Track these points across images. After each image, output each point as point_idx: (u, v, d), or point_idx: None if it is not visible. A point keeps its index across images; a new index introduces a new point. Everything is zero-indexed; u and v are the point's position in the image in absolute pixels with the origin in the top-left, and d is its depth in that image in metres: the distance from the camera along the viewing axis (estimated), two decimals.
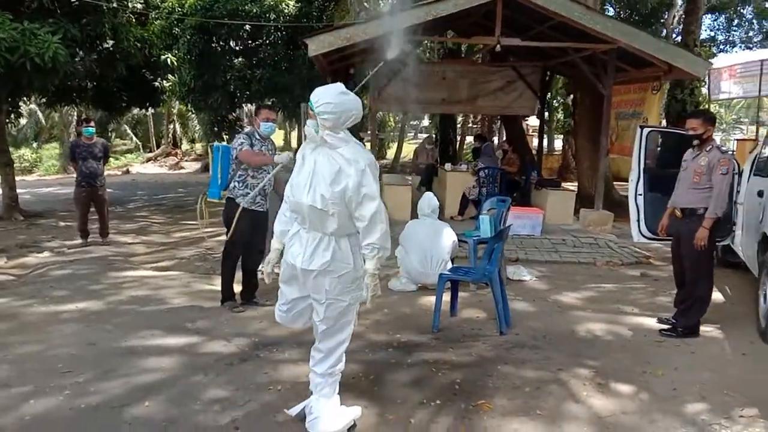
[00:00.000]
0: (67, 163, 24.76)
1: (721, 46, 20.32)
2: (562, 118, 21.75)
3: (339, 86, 3.10)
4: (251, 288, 5.59)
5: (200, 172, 24.99)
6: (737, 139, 15.58)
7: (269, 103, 12.96)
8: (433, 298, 5.27)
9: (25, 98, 13.26)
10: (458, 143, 22.98)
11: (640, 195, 6.50)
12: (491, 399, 3.65)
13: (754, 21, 19.63)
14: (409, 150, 25.75)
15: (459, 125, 24.37)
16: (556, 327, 5.10)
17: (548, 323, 5.20)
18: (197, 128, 28.66)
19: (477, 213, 9.07)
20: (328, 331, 3.22)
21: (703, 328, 4.92)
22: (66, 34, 9.11)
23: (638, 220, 6.52)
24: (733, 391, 3.80)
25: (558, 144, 26.07)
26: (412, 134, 40.42)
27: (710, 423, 3.40)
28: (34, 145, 29.95)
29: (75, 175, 8.64)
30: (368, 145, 8.65)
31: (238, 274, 5.57)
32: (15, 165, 12.58)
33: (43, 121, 29.49)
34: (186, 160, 29.82)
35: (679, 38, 16.68)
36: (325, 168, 3.03)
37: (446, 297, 5.16)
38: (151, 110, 24.33)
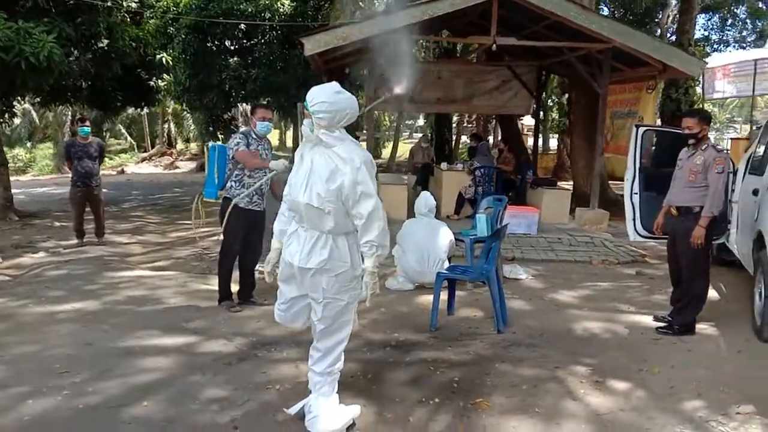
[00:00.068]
0: (62, 162, 24.70)
1: (715, 46, 20.41)
2: (557, 117, 21.81)
3: (334, 85, 3.11)
4: (248, 287, 5.58)
5: (195, 171, 24.93)
6: (731, 138, 15.65)
7: (264, 102, 12.94)
8: (430, 297, 5.28)
9: (19, 98, 13.20)
10: (453, 143, 23.00)
11: (636, 194, 6.54)
12: (489, 397, 3.66)
13: (748, 21, 19.72)
14: (404, 149, 25.79)
15: (454, 125, 24.38)
16: (553, 325, 5.12)
17: (545, 322, 5.22)
18: (192, 128, 28.59)
19: (473, 212, 9.09)
20: (326, 331, 3.22)
21: (698, 326, 4.95)
22: (61, 33, 9.07)
23: (634, 219, 6.56)
24: (730, 388, 3.82)
25: (553, 143, 26.16)
26: (407, 134, 40.47)
27: (707, 420, 3.42)
28: (28, 144, 29.84)
29: (70, 175, 8.62)
30: (364, 144, 8.64)
31: (235, 274, 5.56)
32: (9, 165, 12.53)
33: (37, 120, 29.35)
34: (181, 160, 29.75)
35: (673, 38, 16.77)
36: (322, 166, 3.04)
37: (443, 296, 5.17)
38: (145, 110, 24.23)
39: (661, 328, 4.99)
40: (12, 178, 12.00)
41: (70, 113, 25.19)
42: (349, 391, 3.59)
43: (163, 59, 13.07)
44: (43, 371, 3.94)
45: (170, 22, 13.65)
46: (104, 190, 8.97)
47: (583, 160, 11.33)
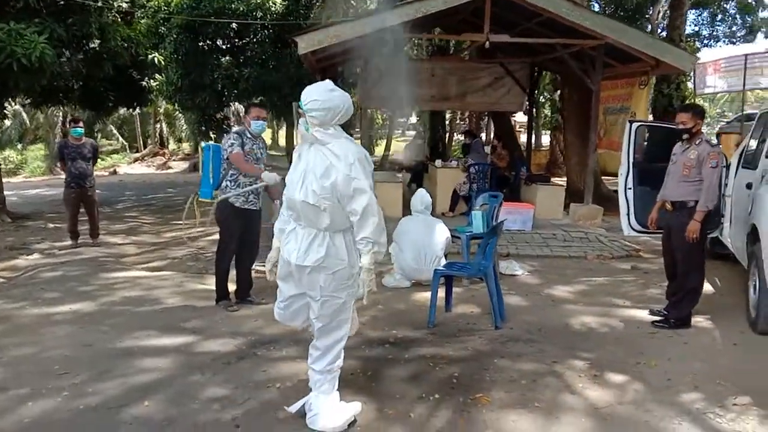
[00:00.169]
0: (54, 164, 24.57)
1: (705, 41, 20.50)
2: (549, 114, 21.86)
3: (327, 83, 3.13)
4: (246, 287, 5.58)
5: (188, 171, 24.87)
6: (722, 132, 15.73)
7: (257, 101, 12.92)
8: (427, 294, 5.30)
9: (10, 99, 13.11)
10: (447, 140, 23.03)
11: (630, 189, 6.57)
12: (489, 392, 3.68)
13: (737, 16, 19.81)
14: (397, 147, 25.80)
15: (447, 122, 24.41)
16: (550, 320, 5.15)
17: (542, 317, 5.25)
18: (184, 128, 28.50)
19: (468, 209, 9.12)
20: (325, 329, 3.23)
21: (694, 319, 4.99)
22: (52, 34, 9.00)
23: (628, 214, 6.59)
24: (726, 381, 3.86)
25: (545, 140, 26.21)
26: (400, 131, 40.46)
27: (704, 412, 3.46)
28: (19, 146, 29.65)
29: (62, 177, 8.58)
30: (359, 142, 8.64)
31: (232, 273, 5.56)
32: (0, 167, 12.45)
33: (28, 122, 29.17)
34: (174, 160, 29.65)
35: (664, 33, 16.84)
36: (317, 164, 3.06)
37: (441, 293, 5.19)
38: (137, 110, 24.14)
39: (656, 321, 5.03)
40: (3, 180, 11.91)
41: (61, 114, 25.07)
42: (350, 389, 3.60)
43: (155, 59, 13.00)
44: (41, 373, 3.93)
45: (161, 21, 13.60)
46: (97, 191, 8.94)
47: (576, 156, 11.39)
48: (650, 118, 13.44)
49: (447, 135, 23.49)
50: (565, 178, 12.59)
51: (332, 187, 3.00)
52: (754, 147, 5.73)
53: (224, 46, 14.40)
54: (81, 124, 8.62)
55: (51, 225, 10.42)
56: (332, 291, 3.16)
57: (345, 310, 3.25)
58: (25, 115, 28.31)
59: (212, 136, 15.83)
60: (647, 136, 6.99)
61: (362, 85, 9.70)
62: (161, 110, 30.31)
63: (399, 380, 3.87)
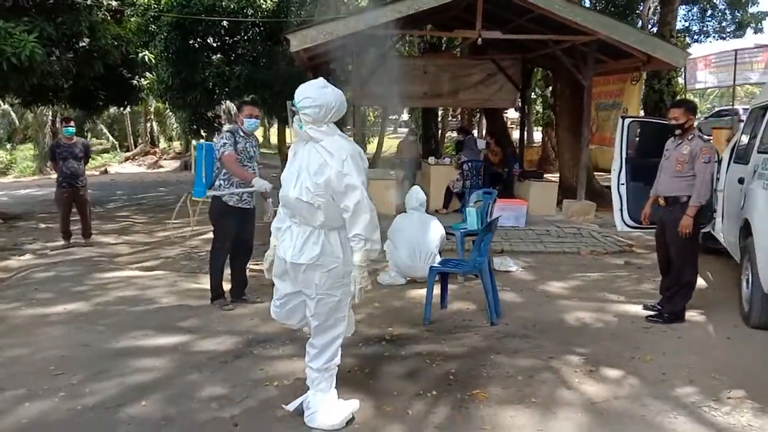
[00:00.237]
0: (44, 164, 24.43)
1: (695, 37, 20.57)
2: (540, 110, 21.89)
3: (319, 81, 3.15)
4: (241, 285, 5.57)
5: (180, 170, 24.77)
6: (712, 128, 15.84)
7: (249, 99, 12.88)
8: (422, 291, 5.31)
9: None
10: (439, 137, 23.03)
11: (623, 184, 6.59)
12: (486, 388, 3.70)
13: (727, 11, 19.89)
14: (389, 144, 25.79)
15: (439, 119, 24.40)
16: (545, 316, 5.17)
17: (537, 313, 5.27)
18: (175, 126, 28.37)
19: (461, 206, 9.14)
20: (321, 327, 3.24)
21: (688, 314, 5.03)
22: (42, 32, 8.94)
23: (621, 209, 6.61)
24: (720, 374, 3.89)
25: (537, 136, 26.26)
26: (392, 129, 40.42)
27: (700, 405, 3.48)
28: (8, 146, 29.44)
29: (53, 176, 8.53)
30: (352, 139, 8.62)
31: (227, 272, 5.55)
32: None
33: (17, 121, 28.98)
34: (165, 159, 29.53)
35: (654, 29, 16.89)
36: (310, 161, 3.07)
37: (436, 289, 5.20)
38: (128, 109, 24.01)
39: (651, 316, 5.06)
40: None
41: (50, 113, 24.89)
42: (347, 386, 3.60)
43: (146, 57, 12.93)
44: (38, 373, 3.91)
45: (151, 19, 13.52)
46: (89, 190, 8.89)
47: (569, 152, 11.42)
48: (641, 113, 13.51)
49: (439, 132, 23.48)
50: (558, 174, 12.63)
51: (326, 184, 3.01)
52: (746, 142, 5.76)
53: (215, 44, 14.34)
54: (72, 123, 8.57)
55: (42, 225, 10.37)
56: (327, 289, 3.16)
57: (341, 308, 3.25)
58: (13, 115, 28.14)
59: (203, 134, 15.78)
60: (639, 131, 7.02)
61: (354, 83, 9.68)
62: (152, 109, 30.18)
63: (396, 377, 3.88)
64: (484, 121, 22.10)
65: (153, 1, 13.56)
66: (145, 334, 4.68)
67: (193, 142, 22.76)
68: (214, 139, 5.39)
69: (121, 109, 21.72)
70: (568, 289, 6.11)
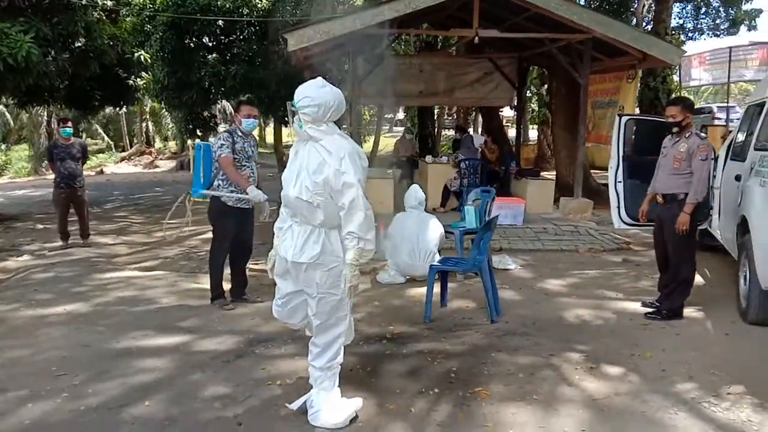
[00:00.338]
0: (39, 164, 24.35)
1: (690, 34, 20.61)
2: (536, 108, 21.94)
3: (318, 81, 3.17)
4: (241, 285, 5.58)
5: (176, 170, 24.70)
6: (707, 125, 15.90)
7: (245, 98, 12.87)
8: (421, 290, 5.33)
9: None
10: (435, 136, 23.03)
11: (620, 182, 6.63)
12: (487, 386, 3.72)
13: (721, 9, 19.93)
14: (385, 143, 25.78)
15: (435, 117, 24.41)
16: (544, 314, 5.20)
17: (536, 310, 5.30)
18: (170, 126, 28.30)
19: (459, 204, 9.17)
20: (323, 326, 3.26)
21: (686, 311, 5.05)
22: (38, 33, 8.92)
23: (618, 207, 6.65)
24: (719, 370, 3.92)
25: (532, 134, 26.32)
26: (387, 127, 40.41)
27: (700, 401, 3.51)
28: (3, 147, 29.33)
29: (49, 177, 8.52)
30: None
31: (226, 272, 5.56)
32: None
33: (12, 122, 28.86)
34: (161, 159, 29.46)
35: (649, 27, 16.93)
36: (310, 160, 3.09)
37: (436, 288, 5.21)
38: (123, 109, 23.95)
39: (649, 313, 5.09)
40: None
41: (46, 114, 24.81)
42: (350, 385, 3.61)
43: (141, 57, 12.91)
44: (39, 374, 3.91)
45: (147, 19, 13.48)
46: (86, 191, 8.87)
47: (565, 149, 11.45)
48: (637, 111, 13.56)
49: (435, 130, 23.49)
50: (554, 172, 12.66)
51: (324, 182, 3.03)
52: (743, 139, 5.79)
53: (210, 44, 14.30)
54: (70, 124, 8.56)
55: (40, 226, 10.35)
56: (328, 288, 3.18)
57: (342, 307, 3.27)
58: (8, 115, 28.01)
59: (199, 134, 15.75)
60: (636, 129, 7.05)
61: (351, 82, 9.69)
62: (147, 108, 30.09)
63: (398, 375, 3.90)
64: (479, 119, 22.10)
65: (148, 1, 13.51)
66: (145, 334, 4.69)
67: (189, 141, 22.74)
68: (212, 139, 5.39)
69: (117, 109, 21.70)
70: (567, 286, 6.13)
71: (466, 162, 9.77)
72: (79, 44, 10.61)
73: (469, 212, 6.51)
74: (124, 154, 31.93)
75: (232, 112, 7.21)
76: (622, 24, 9.15)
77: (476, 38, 8.85)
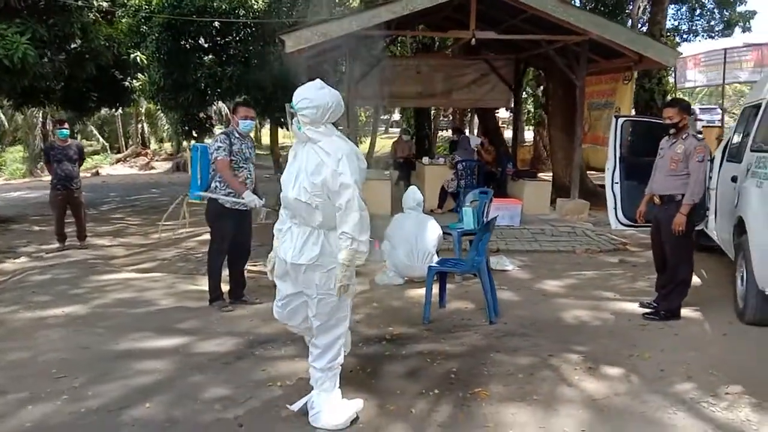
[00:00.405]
0: (35, 166, 24.27)
1: (685, 36, 20.72)
2: (532, 109, 21.96)
3: (316, 82, 3.19)
4: (240, 287, 5.58)
5: (172, 172, 24.63)
6: (703, 126, 15.99)
7: (241, 100, 12.86)
8: (420, 291, 5.34)
9: None
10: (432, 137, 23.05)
11: (617, 183, 6.66)
12: (487, 386, 3.73)
13: (715, 10, 20.04)
14: (381, 145, 25.81)
15: (431, 119, 24.44)
16: (543, 315, 5.22)
17: (534, 311, 5.32)
18: (166, 127, 28.24)
19: (456, 206, 9.18)
20: (323, 327, 3.27)
21: (683, 311, 5.07)
22: (34, 34, 8.90)
23: (615, 208, 6.68)
24: (718, 370, 3.94)
25: (528, 135, 26.35)
26: (383, 129, 40.43)
27: (698, 401, 3.53)
28: None
29: (44, 179, 8.50)
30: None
31: (225, 273, 5.55)
32: None
33: (6, 123, 28.74)
34: (156, 160, 29.36)
35: (644, 28, 16.99)
36: (308, 161, 3.11)
37: (434, 289, 5.22)
38: (119, 110, 23.88)
39: (647, 314, 5.12)
40: None
41: (41, 115, 24.73)
42: (350, 386, 3.62)
43: (137, 58, 12.87)
44: (39, 376, 3.91)
45: (143, 20, 13.45)
46: (83, 192, 8.85)
47: (562, 151, 11.48)
48: (632, 112, 13.61)
49: (432, 132, 23.52)
50: (550, 174, 12.70)
51: (322, 184, 3.05)
52: (739, 141, 5.83)
53: (206, 45, 14.26)
54: (66, 125, 8.55)
55: (36, 228, 10.32)
56: (328, 289, 3.19)
57: (342, 308, 3.28)
58: (2, 117, 27.89)
59: (195, 135, 15.72)
60: (633, 130, 7.09)
61: (348, 83, 9.70)
62: (143, 110, 30.01)
63: (398, 376, 3.91)
64: (476, 120, 22.15)
65: (144, 2, 13.50)
66: (145, 336, 4.69)
67: (185, 143, 22.69)
68: (209, 141, 5.39)
69: (113, 110, 21.63)
70: (564, 287, 6.16)
71: (463, 163, 9.78)
72: (75, 45, 10.60)
73: (466, 213, 6.53)
74: (119, 155, 31.78)
75: (228, 113, 7.20)
76: (619, 26, 9.20)
77: (473, 40, 8.87)
